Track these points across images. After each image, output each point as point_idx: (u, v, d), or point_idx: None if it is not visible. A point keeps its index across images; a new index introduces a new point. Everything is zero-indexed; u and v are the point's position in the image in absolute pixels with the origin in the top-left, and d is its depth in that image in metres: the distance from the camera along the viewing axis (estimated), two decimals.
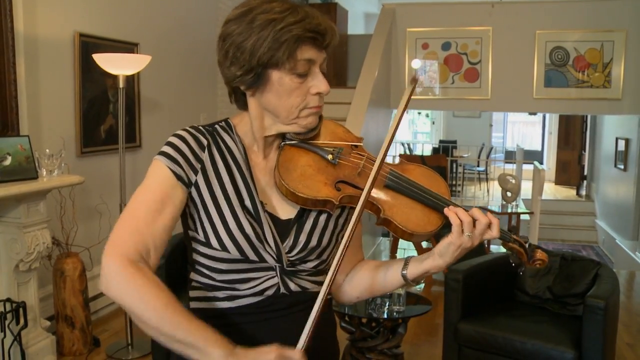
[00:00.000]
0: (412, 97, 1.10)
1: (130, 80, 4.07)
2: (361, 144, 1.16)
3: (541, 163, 10.65)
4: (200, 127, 1.11)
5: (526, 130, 14.75)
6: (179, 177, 1.04)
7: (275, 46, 1.00)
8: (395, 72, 6.49)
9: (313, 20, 1.02)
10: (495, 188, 10.03)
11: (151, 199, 1.02)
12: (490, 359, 2.86)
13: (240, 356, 0.94)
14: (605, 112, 7.18)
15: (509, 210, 6.12)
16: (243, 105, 1.12)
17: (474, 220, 1.06)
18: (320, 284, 1.13)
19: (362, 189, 1.05)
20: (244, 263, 1.05)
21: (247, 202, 1.06)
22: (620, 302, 3.14)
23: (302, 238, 1.09)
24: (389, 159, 1.26)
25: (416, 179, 1.13)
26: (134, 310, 0.95)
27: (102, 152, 3.88)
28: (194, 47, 4.95)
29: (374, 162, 1.06)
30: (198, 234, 1.07)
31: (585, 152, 10.75)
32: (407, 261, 1.15)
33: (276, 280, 1.07)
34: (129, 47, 4.05)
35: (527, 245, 1.12)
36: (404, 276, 1.14)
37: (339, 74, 7.34)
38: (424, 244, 5.43)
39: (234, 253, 1.04)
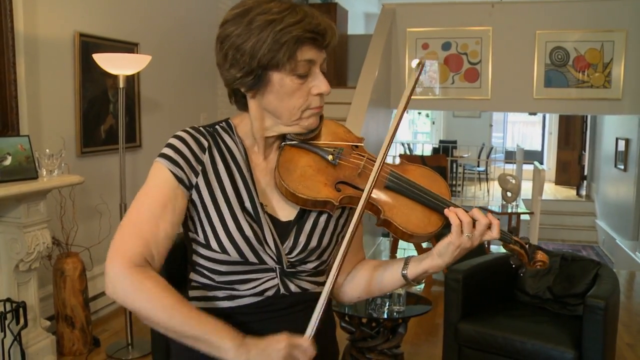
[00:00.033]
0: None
1: (131, 80, 4.07)
2: (362, 144, 1.16)
3: (541, 163, 10.64)
4: (201, 128, 1.10)
5: (526, 130, 14.75)
6: (180, 180, 1.03)
7: (276, 47, 0.99)
8: (396, 72, 6.49)
9: (312, 20, 1.01)
10: (496, 188, 10.03)
11: (153, 203, 1.02)
12: (491, 359, 2.86)
13: (250, 346, 0.95)
14: (606, 112, 7.18)
15: (509, 211, 6.12)
16: (243, 107, 1.12)
17: (474, 221, 1.06)
18: (320, 284, 1.14)
19: (362, 190, 1.05)
20: (243, 265, 1.05)
21: (247, 204, 1.06)
22: (620, 302, 3.13)
23: (302, 239, 1.08)
24: (389, 159, 1.25)
25: (416, 179, 1.12)
26: (143, 312, 0.96)
27: (102, 152, 3.88)
28: (194, 47, 4.95)
29: (375, 162, 1.06)
30: (198, 236, 1.07)
31: (585, 152, 10.75)
32: (407, 261, 1.15)
33: (276, 281, 1.07)
34: (129, 47, 4.05)
35: (527, 247, 1.12)
36: (404, 276, 1.13)
37: (339, 74, 7.34)
38: (424, 244, 5.43)
39: (234, 255, 1.04)
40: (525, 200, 8.03)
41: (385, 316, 2.79)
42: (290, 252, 1.08)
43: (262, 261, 1.05)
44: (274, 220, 1.09)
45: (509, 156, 12.69)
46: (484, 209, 1.12)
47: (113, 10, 3.95)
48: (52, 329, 3.22)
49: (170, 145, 1.06)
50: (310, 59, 1.03)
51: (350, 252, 1.10)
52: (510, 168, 10.13)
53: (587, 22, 6.13)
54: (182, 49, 4.81)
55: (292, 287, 1.08)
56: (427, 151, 11.79)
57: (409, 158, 7.52)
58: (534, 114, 12.13)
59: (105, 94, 3.89)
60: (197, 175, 1.05)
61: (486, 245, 5.72)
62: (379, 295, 2.45)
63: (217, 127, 1.12)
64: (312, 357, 0.97)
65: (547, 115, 12.90)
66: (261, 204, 1.08)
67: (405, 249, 6.00)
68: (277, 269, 1.07)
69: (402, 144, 11.58)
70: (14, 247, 2.87)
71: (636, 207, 7.02)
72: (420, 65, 1.09)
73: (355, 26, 9.45)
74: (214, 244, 1.05)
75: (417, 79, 1.09)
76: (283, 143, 1.12)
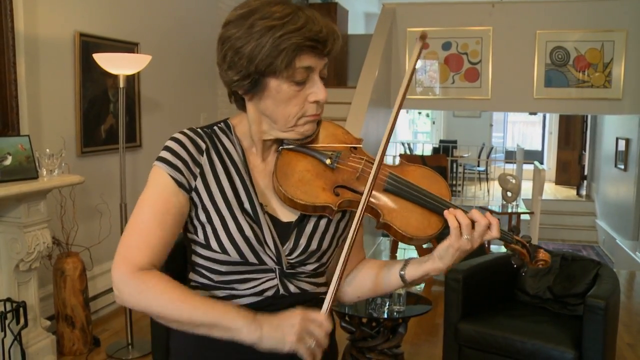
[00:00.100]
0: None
1: (131, 80, 4.07)
2: (360, 146, 1.15)
3: (541, 163, 10.64)
4: (199, 130, 1.10)
5: (526, 130, 14.75)
6: (180, 184, 1.04)
7: (274, 54, 0.98)
8: (396, 72, 6.49)
9: (314, 27, 1.00)
10: (496, 188, 10.03)
11: (154, 208, 1.02)
12: (491, 359, 2.86)
13: (263, 322, 0.95)
14: (606, 112, 7.18)
15: (509, 210, 6.12)
16: (242, 107, 1.11)
17: (473, 222, 1.05)
18: (320, 285, 1.14)
19: (361, 193, 1.04)
20: (243, 265, 1.05)
21: (247, 205, 1.06)
22: (620, 302, 3.13)
23: (303, 241, 1.08)
24: (389, 159, 1.25)
25: (416, 180, 1.11)
26: (153, 310, 0.98)
27: (102, 152, 3.88)
28: (194, 47, 4.95)
29: (374, 164, 1.05)
30: (197, 237, 1.07)
31: (585, 152, 10.75)
32: (406, 262, 1.14)
33: (275, 281, 1.07)
34: (129, 46, 4.05)
35: (529, 246, 1.11)
36: (402, 277, 1.13)
37: (339, 74, 7.34)
38: (424, 245, 5.43)
39: (234, 256, 1.04)
40: (526, 200, 8.04)
41: (386, 316, 2.79)
42: (290, 254, 1.08)
43: (261, 262, 1.06)
44: (274, 220, 1.09)
45: (509, 156, 12.69)
46: (484, 209, 1.12)
47: (113, 10, 3.95)
48: (52, 329, 3.22)
49: (168, 149, 1.06)
50: (308, 66, 1.01)
51: (351, 253, 1.10)
52: (511, 168, 10.13)
53: (588, 22, 6.13)
54: (182, 49, 4.81)
55: (292, 288, 1.09)
56: (427, 151, 11.79)
57: (409, 158, 7.53)
58: (534, 113, 12.13)
59: (106, 94, 3.89)
60: (195, 178, 1.05)
61: (486, 245, 5.72)
62: (378, 296, 2.45)
63: (215, 128, 1.12)
64: (328, 332, 0.96)
65: (547, 115, 12.90)
66: (261, 205, 1.08)
67: (405, 248, 6.00)
68: (277, 269, 1.07)
69: (402, 144, 11.58)
70: (14, 247, 2.87)
71: (636, 207, 7.02)
72: (423, 38, 1.06)
73: (356, 26, 9.45)
74: (214, 244, 1.05)
75: (420, 54, 1.07)
76: (280, 147, 1.11)
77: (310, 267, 1.10)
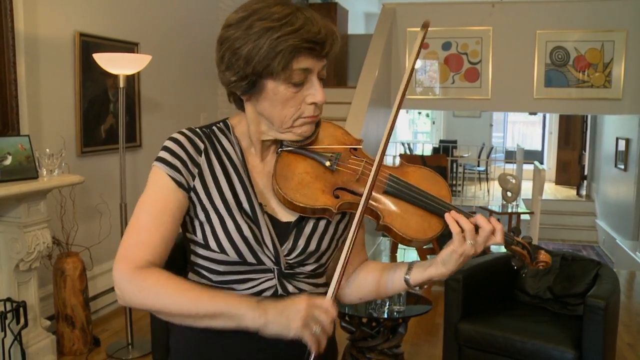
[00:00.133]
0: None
1: (131, 79, 4.07)
2: (360, 147, 1.14)
3: (541, 163, 10.64)
4: (197, 130, 1.09)
5: (526, 130, 14.75)
6: (179, 184, 1.04)
7: (271, 56, 0.98)
8: (396, 72, 6.49)
9: (312, 28, 0.99)
10: (496, 188, 10.03)
11: (154, 208, 1.02)
12: (491, 359, 2.86)
13: (268, 307, 0.95)
14: (606, 112, 7.18)
15: (509, 210, 6.12)
16: (241, 107, 1.11)
17: (477, 227, 1.04)
18: (319, 286, 1.13)
19: (361, 195, 1.03)
20: (241, 265, 1.05)
21: (245, 205, 1.06)
22: (620, 302, 3.13)
23: (301, 242, 1.08)
24: (389, 159, 1.24)
25: (416, 181, 1.11)
26: (156, 306, 0.97)
27: (102, 152, 3.88)
28: (194, 47, 4.95)
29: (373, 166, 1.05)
30: (196, 236, 1.07)
31: (585, 152, 10.75)
32: (410, 266, 1.13)
33: (274, 282, 1.07)
34: (129, 46, 4.05)
35: (530, 247, 1.10)
36: (406, 281, 1.12)
37: (339, 74, 7.34)
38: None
39: (232, 255, 1.04)
40: (526, 200, 8.04)
41: (386, 316, 2.79)
42: (288, 254, 1.07)
43: (260, 262, 1.05)
44: (273, 220, 1.08)
45: (509, 156, 12.69)
46: (485, 209, 1.11)
47: (113, 10, 3.95)
48: (52, 329, 3.22)
49: (166, 149, 1.06)
50: (306, 67, 1.01)
51: (352, 254, 1.09)
52: (511, 168, 10.13)
53: (588, 22, 6.13)
54: (182, 49, 4.81)
55: (290, 288, 1.08)
56: (427, 151, 11.79)
57: (409, 158, 7.53)
58: (534, 113, 12.13)
59: (106, 94, 3.89)
60: (193, 178, 1.05)
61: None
62: (380, 298, 2.45)
63: (214, 128, 1.12)
64: (334, 319, 0.95)
65: (548, 115, 12.90)
66: (260, 204, 1.07)
67: (405, 248, 6.01)
68: (275, 270, 1.07)
69: (403, 144, 11.58)
70: (14, 247, 2.87)
71: (636, 207, 7.03)
72: (425, 26, 1.05)
73: (356, 26, 9.45)
74: (212, 244, 1.05)
75: (422, 42, 1.05)
76: (280, 149, 1.11)
77: (309, 268, 1.10)
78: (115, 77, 3.49)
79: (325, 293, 1.00)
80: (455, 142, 11.56)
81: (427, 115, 14.17)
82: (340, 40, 1.05)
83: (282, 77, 1.00)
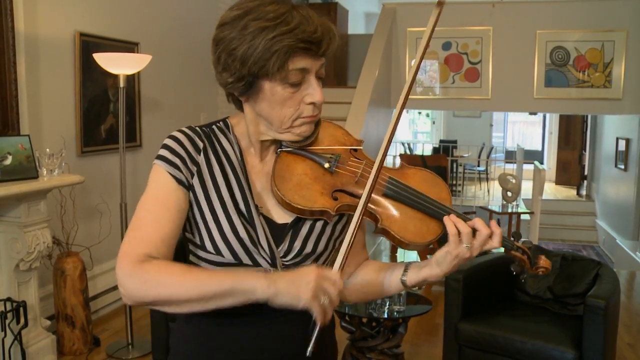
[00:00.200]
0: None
1: (131, 79, 4.07)
2: (361, 147, 1.13)
3: (541, 163, 10.64)
4: (197, 128, 1.09)
5: (526, 130, 14.74)
6: (179, 181, 1.03)
7: (266, 56, 0.97)
8: (396, 72, 6.49)
9: (308, 27, 0.98)
10: (496, 188, 10.03)
11: (155, 206, 1.01)
12: (491, 358, 2.86)
13: (277, 278, 0.93)
14: (606, 112, 7.18)
15: (510, 210, 6.12)
16: (240, 107, 1.11)
17: (475, 231, 1.03)
18: None
19: (360, 198, 1.02)
20: (237, 267, 1.05)
21: (242, 206, 1.05)
22: (620, 302, 3.14)
23: (297, 244, 1.07)
24: (389, 159, 1.23)
25: (416, 184, 1.10)
26: (162, 296, 0.94)
27: (102, 152, 3.88)
28: (194, 47, 4.95)
29: (373, 167, 1.03)
30: (194, 237, 1.07)
31: (585, 152, 10.75)
32: (407, 267, 1.13)
33: None
34: (129, 46, 4.05)
35: (530, 252, 1.09)
36: (403, 282, 1.12)
37: (339, 74, 7.34)
38: None
39: (228, 257, 1.03)
40: (526, 200, 8.03)
41: (386, 316, 2.79)
42: (285, 256, 1.07)
43: (256, 263, 1.04)
44: (269, 222, 1.07)
45: (509, 156, 12.68)
46: (485, 209, 1.11)
47: (113, 10, 3.95)
48: (52, 329, 3.22)
49: (166, 147, 1.05)
50: (303, 67, 1.00)
51: (352, 254, 1.08)
52: (511, 168, 10.13)
53: (588, 21, 6.13)
54: (182, 48, 4.81)
55: None
56: (428, 151, 11.79)
57: (409, 158, 7.53)
58: (534, 113, 12.13)
59: (106, 94, 3.89)
60: (192, 176, 1.05)
61: None
62: (379, 298, 2.45)
63: (214, 127, 1.11)
64: (341, 290, 0.95)
65: (548, 115, 12.90)
66: (256, 206, 1.06)
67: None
68: (272, 271, 1.06)
69: (403, 144, 11.58)
70: (14, 247, 2.87)
71: (636, 207, 7.02)
72: (440, 4, 1.03)
73: (356, 26, 9.45)
74: (208, 245, 1.04)
75: (437, 21, 1.03)
76: (279, 150, 1.10)
77: None
78: (115, 77, 3.49)
79: None
80: (455, 142, 11.55)
81: (427, 115, 14.17)
82: (338, 38, 1.04)
83: (278, 78, 0.99)
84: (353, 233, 0.99)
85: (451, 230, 1.03)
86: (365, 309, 2.83)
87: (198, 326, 1.09)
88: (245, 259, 1.04)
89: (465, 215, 1.07)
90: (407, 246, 1.07)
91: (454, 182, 10.17)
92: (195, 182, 1.05)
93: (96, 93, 3.79)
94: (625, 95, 6.11)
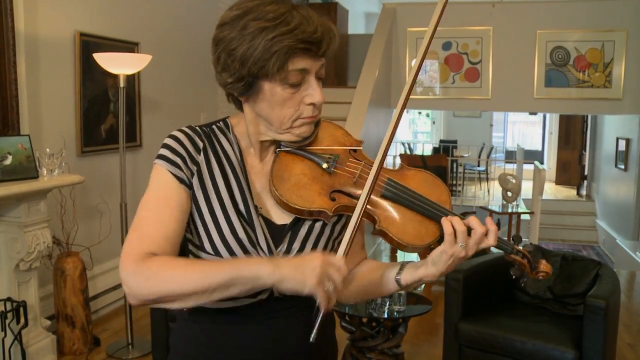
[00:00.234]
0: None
1: (131, 79, 4.07)
2: (360, 148, 1.12)
3: (542, 163, 10.64)
4: (197, 128, 1.09)
5: (526, 130, 14.74)
6: (181, 180, 1.03)
7: (266, 57, 0.96)
8: (396, 72, 6.49)
9: (308, 27, 0.97)
10: (496, 188, 10.03)
11: (157, 205, 1.01)
12: (491, 358, 2.86)
13: (282, 263, 0.93)
14: (606, 112, 7.18)
15: (510, 210, 6.12)
16: (240, 107, 1.10)
17: (470, 230, 1.03)
18: None
19: (358, 198, 1.01)
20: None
21: (241, 207, 1.05)
22: (620, 302, 3.13)
23: (296, 245, 1.07)
24: (389, 159, 1.23)
25: (416, 185, 1.09)
26: (167, 291, 0.93)
27: (102, 152, 3.88)
28: (195, 47, 4.94)
29: (372, 168, 1.02)
30: (193, 237, 1.06)
31: (585, 152, 10.75)
32: (402, 267, 1.12)
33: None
34: (129, 46, 4.05)
35: (531, 256, 1.08)
36: (397, 281, 1.11)
37: (339, 74, 7.34)
38: None
39: (227, 258, 1.03)
40: (526, 200, 8.03)
41: (386, 316, 2.79)
42: (284, 257, 1.06)
43: None
44: (268, 223, 1.07)
45: (509, 156, 12.68)
46: (485, 209, 1.10)
47: (113, 10, 3.95)
48: (52, 329, 3.22)
49: (166, 146, 1.05)
50: (303, 68, 0.99)
51: (351, 253, 1.08)
52: (511, 168, 10.13)
53: (588, 22, 6.13)
54: (182, 48, 4.81)
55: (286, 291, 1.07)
56: (428, 151, 11.79)
57: (409, 158, 7.53)
58: (535, 113, 12.13)
59: (106, 94, 3.89)
60: (192, 176, 1.05)
61: None
62: (377, 297, 2.45)
63: (214, 126, 1.11)
64: (345, 276, 0.94)
65: (548, 115, 12.90)
66: (255, 207, 1.06)
67: None
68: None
69: (403, 144, 11.58)
70: (14, 247, 2.87)
71: (636, 207, 7.02)
72: None
73: (356, 26, 9.45)
74: (207, 246, 1.04)
75: (442, 12, 1.03)
76: (278, 149, 1.09)
77: None
78: (115, 77, 3.49)
79: None
80: (455, 142, 11.55)
81: (427, 115, 14.17)
82: (338, 38, 1.04)
83: (277, 78, 0.98)
84: (352, 234, 0.98)
85: (447, 229, 1.02)
86: (365, 309, 2.83)
87: (198, 326, 1.09)
88: None
89: (462, 216, 1.07)
90: (405, 248, 1.06)
91: (454, 182, 10.17)
92: (195, 181, 1.05)
93: (96, 93, 3.79)
94: (625, 95, 6.11)
